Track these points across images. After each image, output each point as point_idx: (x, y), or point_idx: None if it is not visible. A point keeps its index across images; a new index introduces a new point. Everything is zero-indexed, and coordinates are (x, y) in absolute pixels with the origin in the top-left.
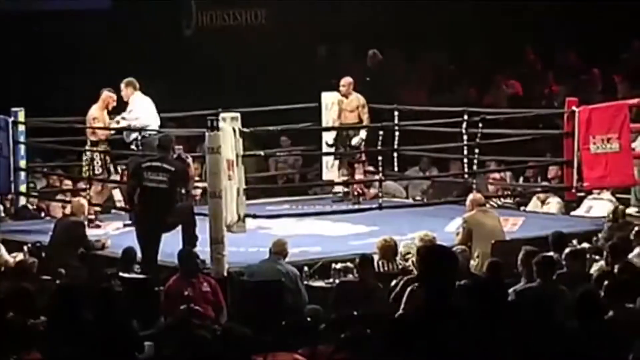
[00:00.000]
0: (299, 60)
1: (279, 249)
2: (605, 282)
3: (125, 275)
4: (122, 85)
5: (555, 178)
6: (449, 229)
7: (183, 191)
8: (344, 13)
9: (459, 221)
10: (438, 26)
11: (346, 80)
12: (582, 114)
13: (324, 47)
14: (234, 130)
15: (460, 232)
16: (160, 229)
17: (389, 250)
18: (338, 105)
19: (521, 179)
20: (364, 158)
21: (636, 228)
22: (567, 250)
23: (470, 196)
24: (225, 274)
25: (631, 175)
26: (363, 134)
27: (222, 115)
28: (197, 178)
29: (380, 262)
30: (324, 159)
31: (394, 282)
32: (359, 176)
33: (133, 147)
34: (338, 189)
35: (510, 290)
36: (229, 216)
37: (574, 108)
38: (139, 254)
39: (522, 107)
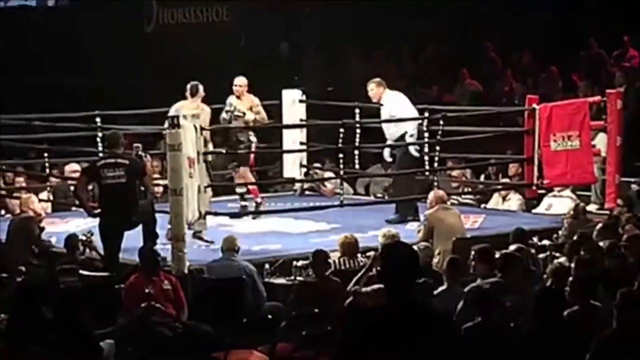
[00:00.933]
0: (261, 58)
1: (230, 246)
2: (569, 279)
3: (86, 272)
4: (373, 85)
5: (516, 175)
6: (410, 226)
7: (142, 188)
8: (305, 10)
9: (420, 218)
10: (399, 24)
11: (241, 81)
12: (543, 112)
13: (285, 44)
14: (195, 128)
15: (422, 229)
16: (124, 226)
17: (350, 247)
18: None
19: (482, 176)
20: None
21: (600, 224)
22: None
23: (432, 193)
24: (186, 271)
25: (591, 172)
26: (253, 137)
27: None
28: (157, 175)
29: (341, 260)
30: (285, 156)
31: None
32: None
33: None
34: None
35: (468, 288)
36: (190, 214)
37: (534, 105)
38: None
39: (483, 105)
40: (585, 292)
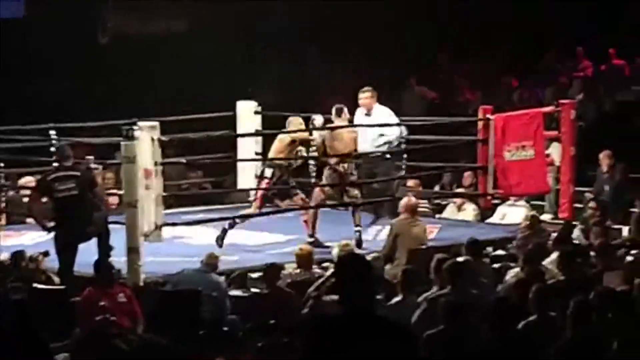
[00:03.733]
0: (217, 69)
1: (210, 261)
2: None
3: (40, 286)
4: (369, 94)
5: (471, 185)
6: (365, 237)
7: (96, 200)
8: (261, 21)
9: (376, 229)
10: (357, 34)
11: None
12: (497, 122)
13: (240, 55)
14: (152, 139)
15: (387, 236)
16: (78, 239)
17: (305, 258)
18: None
19: (437, 186)
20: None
21: (554, 234)
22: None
23: (405, 200)
24: (141, 283)
25: (545, 182)
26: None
27: (139, 124)
28: (112, 186)
29: (296, 271)
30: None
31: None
32: None
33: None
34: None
35: (421, 298)
36: (145, 225)
37: (488, 116)
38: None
39: (438, 114)
40: (544, 302)
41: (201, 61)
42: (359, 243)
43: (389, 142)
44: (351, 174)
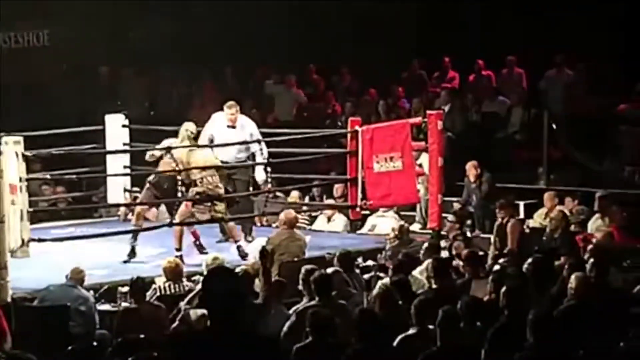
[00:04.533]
0: (83, 82)
1: (74, 276)
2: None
3: None
4: (238, 108)
5: (342, 197)
6: (233, 250)
7: None
8: (127, 34)
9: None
10: (223, 46)
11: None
12: (365, 134)
13: (106, 68)
14: (17, 154)
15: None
16: None
17: (173, 271)
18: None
19: (307, 197)
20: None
21: (426, 244)
22: None
23: (282, 214)
24: (9, 299)
25: (414, 193)
26: None
27: (4, 139)
28: None
29: (166, 284)
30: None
31: (180, 304)
32: None
33: None
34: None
35: (292, 310)
36: (12, 241)
37: (357, 127)
38: None
39: (306, 126)
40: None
41: (68, 74)
42: (242, 255)
43: (253, 155)
44: (217, 186)
